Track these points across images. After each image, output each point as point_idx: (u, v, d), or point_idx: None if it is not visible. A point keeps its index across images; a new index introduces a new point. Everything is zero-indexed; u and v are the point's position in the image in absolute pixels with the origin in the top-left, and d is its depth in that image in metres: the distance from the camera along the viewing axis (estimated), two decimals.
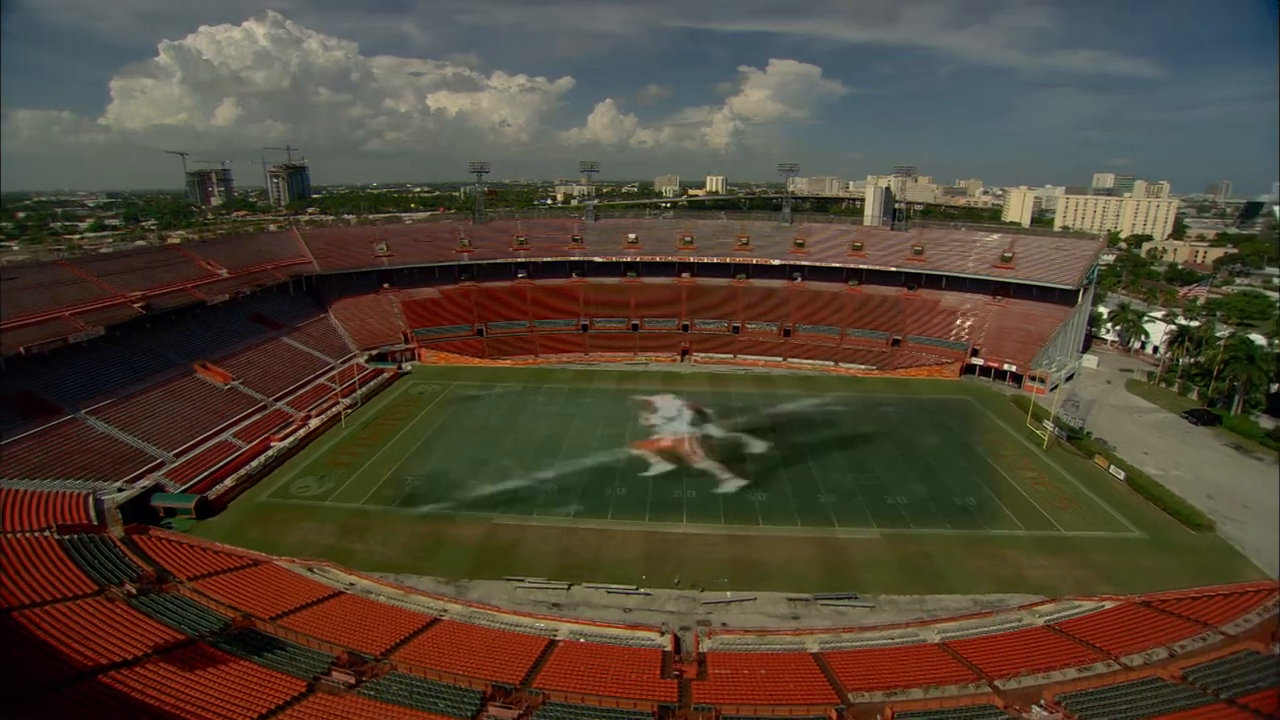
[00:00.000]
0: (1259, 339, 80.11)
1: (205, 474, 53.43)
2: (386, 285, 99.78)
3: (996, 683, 29.71)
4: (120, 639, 27.39)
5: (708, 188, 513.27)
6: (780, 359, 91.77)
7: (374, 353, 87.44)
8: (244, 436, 60.78)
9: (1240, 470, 59.06)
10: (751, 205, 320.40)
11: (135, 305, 67.09)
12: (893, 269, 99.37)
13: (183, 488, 51.00)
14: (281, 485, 55.00)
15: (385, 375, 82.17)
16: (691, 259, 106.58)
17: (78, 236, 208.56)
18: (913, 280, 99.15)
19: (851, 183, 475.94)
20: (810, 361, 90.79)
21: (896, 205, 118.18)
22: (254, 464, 56.41)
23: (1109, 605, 37.84)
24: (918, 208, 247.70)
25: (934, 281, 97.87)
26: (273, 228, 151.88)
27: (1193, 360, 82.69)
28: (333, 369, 78.82)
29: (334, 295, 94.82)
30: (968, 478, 56.57)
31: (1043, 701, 27.87)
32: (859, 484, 55.09)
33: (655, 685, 28.99)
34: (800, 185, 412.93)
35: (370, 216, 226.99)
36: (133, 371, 63.20)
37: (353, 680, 27.88)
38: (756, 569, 43.22)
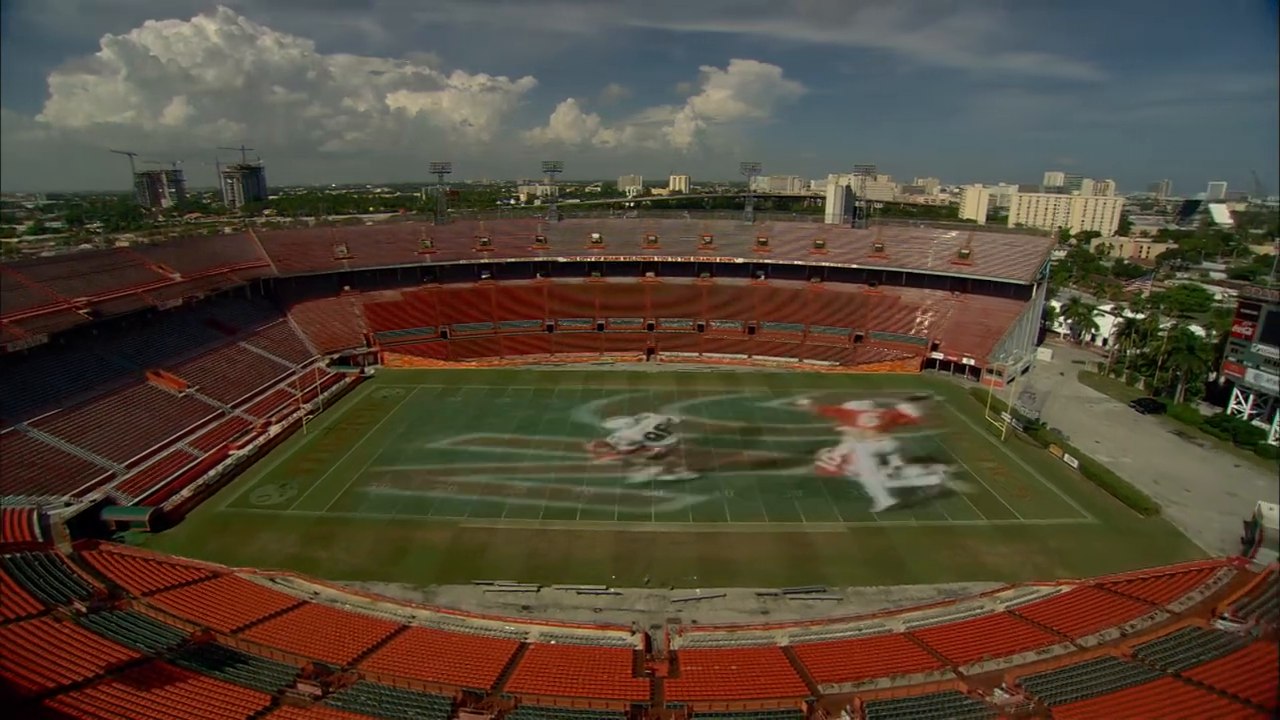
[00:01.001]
0: (1198, 330, 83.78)
1: (160, 485, 51.66)
2: (347, 288, 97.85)
3: (960, 669, 30.55)
4: (70, 660, 26.30)
5: (671, 187, 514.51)
6: (745, 356, 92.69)
7: (335, 357, 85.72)
8: (201, 445, 58.96)
9: (1183, 456, 61.68)
10: (714, 204, 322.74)
11: (81, 311, 64.46)
12: (854, 266, 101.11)
13: (135, 500, 49.21)
14: (241, 494, 53.52)
15: (348, 379, 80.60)
16: (656, 258, 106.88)
17: (15, 240, 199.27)
18: (874, 277, 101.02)
19: (813, 181, 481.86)
20: (775, 359, 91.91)
21: (857, 203, 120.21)
22: (212, 473, 54.75)
23: (1065, 589, 39.22)
24: (878, 206, 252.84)
25: (894, 278, 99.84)
26: (228, 230, 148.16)
27: (1139, 351, 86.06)
28: (293, 374, 76.96)
29: (293, 299, 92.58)
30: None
31: (1004, 685, 28.75)
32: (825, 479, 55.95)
33: (627, 684, 29.04)
34: (762, 184, 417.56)
35: (329, 218, 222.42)
36: (80, 381, 60.71)
37: (319, 692, 27.32)
38: (725, 565, 43.58)
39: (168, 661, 27.81)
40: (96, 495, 48.07)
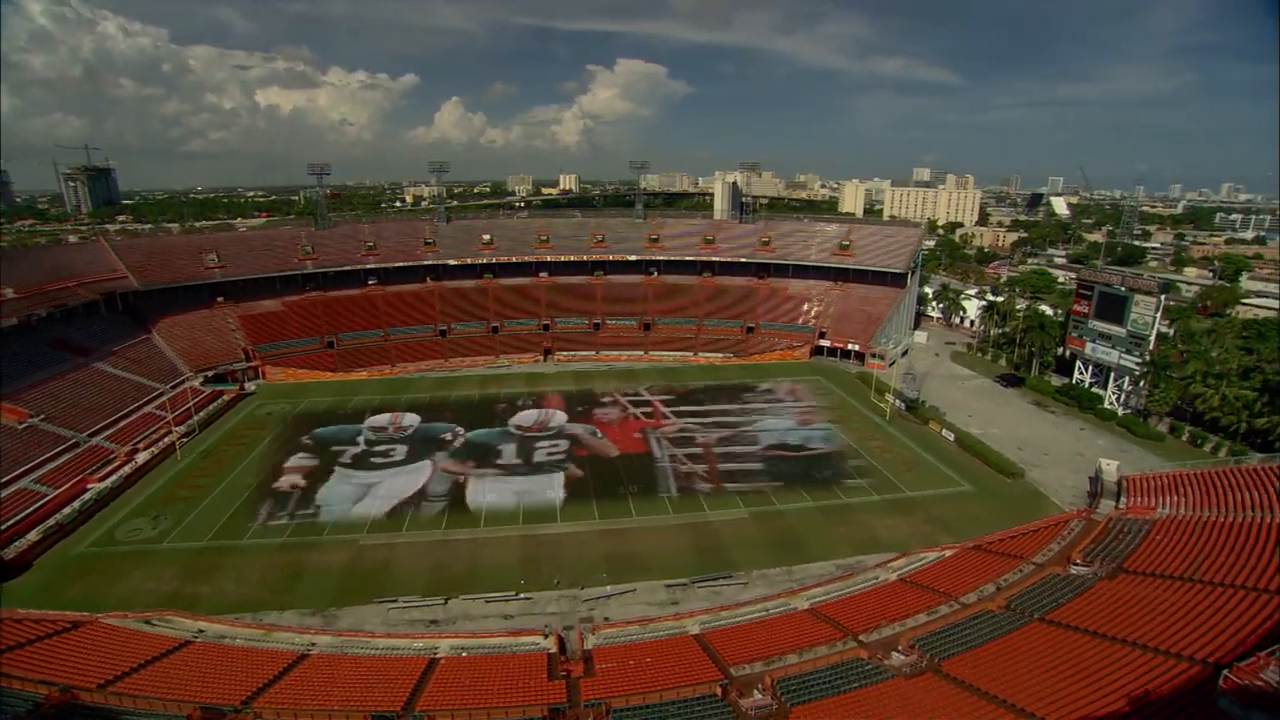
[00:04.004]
0: (1048, 310, 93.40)
1: None
2: (220, 299, 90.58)
3: (860, 637, 32.64)
4: None
5: (561, 186, 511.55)
6: (642, 353, 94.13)
7: (211, 373, 79.25)
8: (51, 481, 52.69)
9: (1040, 423, 68.72)
10: (605, 202, 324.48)
11: None
12: (743, 260, 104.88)
13: None
14: (105, 531, 48.45)
15: (226, 397, 74.71)
16: (549, 258, 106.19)
17: None
18: (762, 270, 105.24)
19: (700, 178, 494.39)
20: (670, 353, 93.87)
21: (743, 199, 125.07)
22: (66, 511, 49.06)
23: (948, 553, 42.78)
24: (763, 201, 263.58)
25: (781, 270, 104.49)
26: (73, 239, 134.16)
27: (1000, 331, 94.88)
28: (162, 395, 70.34)
29: (158, 313, 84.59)
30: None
31: (900, 647, 31.07)
32: (725, 468, 57.86)
33: (543, 688, 28.86)
34: (652, 182, 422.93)
35: (197, 224, 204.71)
36: None
37: None
38: (634, 560, 44.17)
39: None
40: None
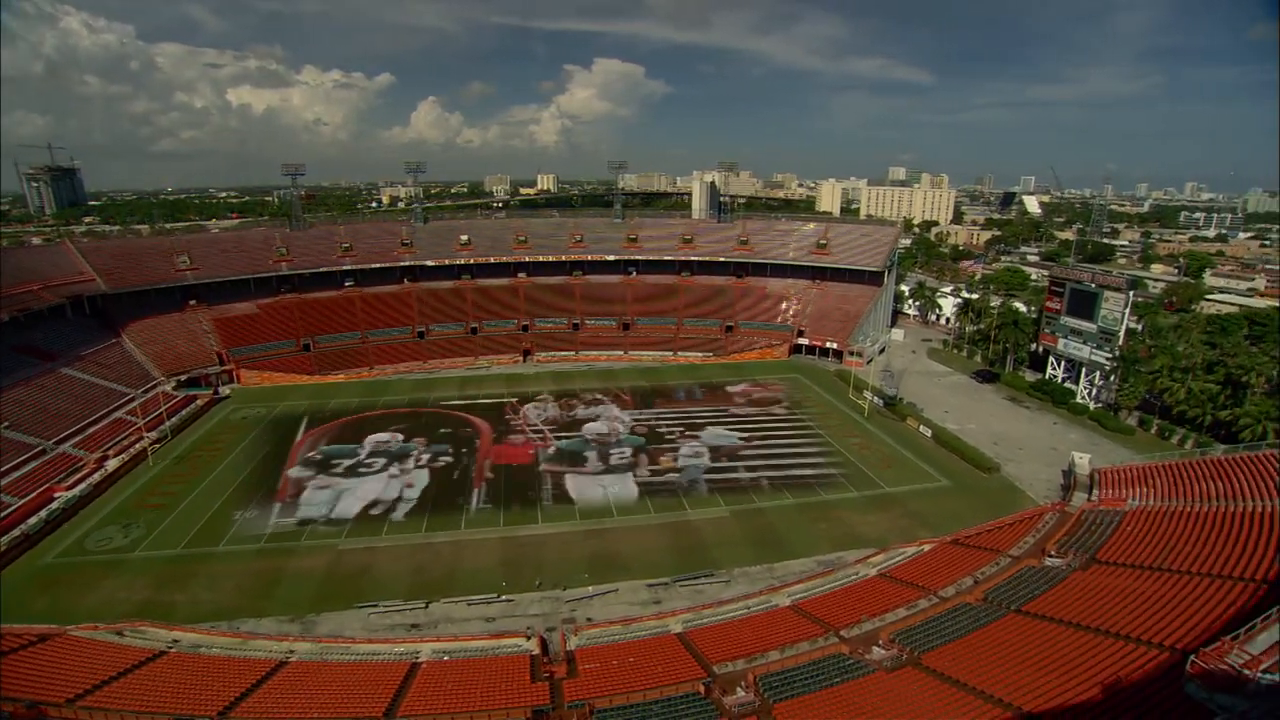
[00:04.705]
0: (1021, 306, 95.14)
1: None
2: (193, 302, 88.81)
3: (842, 632, 32.98)
4: None
5: (539, 186, 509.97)
6: (621, 353, 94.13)
7: (183, 378, 77.77)
8: (16, 490, 51.27)
9: (1014, 418, 69.98)
10: (583, 202, 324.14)
11: None
12: (721, 259, 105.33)
13: None
14: (74, 541, 47.27)
15: (199, 402, 73.35)
16: (527, 259, 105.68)
17: None
18: (741, 269, 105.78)
19: (678, 178, 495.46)
20: (650, 353, 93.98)
21: (721, 199, 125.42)
22: (32, 521, 47.73)
23: (926, 548, 43.40)
24: (741, 201, 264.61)
25: (760, 269, 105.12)
26: (37, 241, 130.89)
27: (975, 328, 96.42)
28: (133, 400, 68.83)
29: (128, 317, 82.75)
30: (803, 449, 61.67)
31: (881, 641, 31.45)
32: (705, 465, 58.09)
33: (526, 690, 28.76)
34: (630, 181, 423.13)
35: (167, 225, 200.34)
36: None
37: None
38: (615, 560, 44.19)
39: None
40: None
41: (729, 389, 78.49)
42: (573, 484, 54.77)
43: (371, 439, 64.11)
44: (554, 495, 53.06)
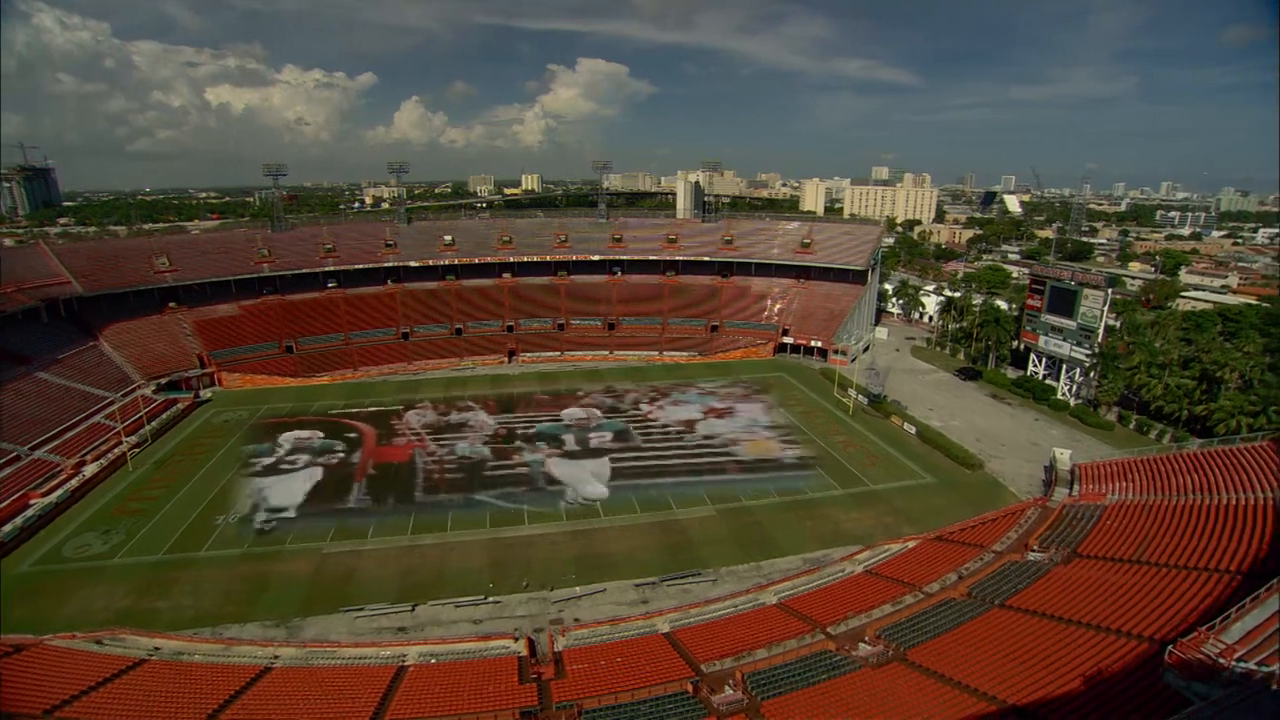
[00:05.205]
0: (1003, 304, 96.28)
1: None
2: (173, 304, 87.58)
3: (828, 629, 33.19)
4: None
5: (523, 186, 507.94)
6: (607, 353, 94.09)
7: (163, 381, 76.61)
8: None
9: (997, 415, 70.82)
10: (568, 202, 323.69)
11: None
12: (706, 259, 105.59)
13: None
14: (51, 548, 46.43)
15: (180, 405, 72.29)
16: (512, 259, 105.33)
17: None
18: (725, 269, 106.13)
19: (663, 178, 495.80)
20: (635, 353, 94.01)
21: (706, 198, 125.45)
22: (7, 528, 46.82)
23: (912, 544, 43.81)
24: (725, 200, 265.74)
25: (744, 269, 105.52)
26: (10, 242, 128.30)
27: (958, 325, 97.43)
28: (111, 404, 67.72)
29: (105, 319, 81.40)
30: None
31: (867, 638, 31.69)
32: (689, 464, 58.24)
33: (514, 692, 28.66)
34: (614, 181, 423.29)
35: (145, 226, 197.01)
36: None
37: None
38: (603, 560, 44.19)
39: None
40: None
41: (714, 389, 78.70)
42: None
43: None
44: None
